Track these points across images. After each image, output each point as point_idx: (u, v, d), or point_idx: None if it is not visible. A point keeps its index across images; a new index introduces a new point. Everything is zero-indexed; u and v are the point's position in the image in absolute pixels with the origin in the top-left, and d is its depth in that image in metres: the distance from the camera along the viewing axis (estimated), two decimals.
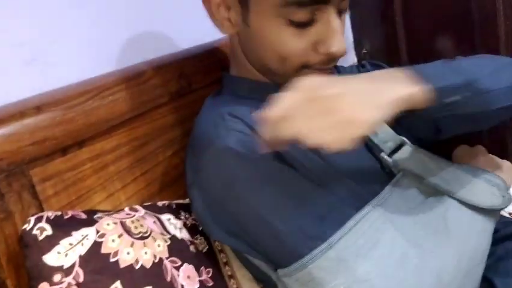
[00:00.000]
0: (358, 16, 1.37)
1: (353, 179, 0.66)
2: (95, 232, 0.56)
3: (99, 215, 0.59)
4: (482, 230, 0.63)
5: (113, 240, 0.57)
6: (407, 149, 0.72)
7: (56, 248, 0.53)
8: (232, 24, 0.65)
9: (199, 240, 0.69)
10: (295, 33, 0.61)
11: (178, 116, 0.78)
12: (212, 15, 0.66)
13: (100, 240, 0.56)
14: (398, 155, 0.71)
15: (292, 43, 0.62)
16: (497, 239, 0.70)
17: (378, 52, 1.52)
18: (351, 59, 1.48)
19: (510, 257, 0.67)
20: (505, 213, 0.90)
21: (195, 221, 0.71)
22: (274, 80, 0.70)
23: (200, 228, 0.70)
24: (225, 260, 0.71)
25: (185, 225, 0.68)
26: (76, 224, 0.56)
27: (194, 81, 0.80)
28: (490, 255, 0.64)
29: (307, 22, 0.61)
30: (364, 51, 1.59)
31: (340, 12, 0.63)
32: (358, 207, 0.60)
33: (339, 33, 0.62)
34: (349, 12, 1.37)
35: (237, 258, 0.72)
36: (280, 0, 0.58)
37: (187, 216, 0.70)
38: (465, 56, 0.69)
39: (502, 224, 0.73)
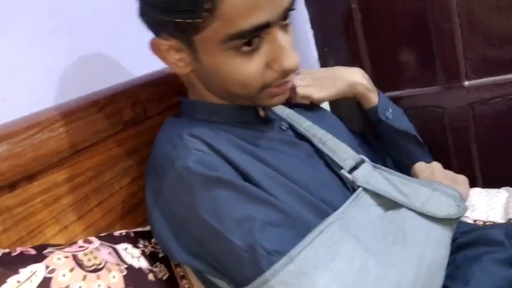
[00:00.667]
0: (322, 33, 1.40)
1: (313, 194, 0.67)
2: (44, 268, 0.54)
3: (50, 249, 0.57)
4: (439, 239, 0.64)
5: (63, 275, 0.55)
6: (366, 166, 0.74)
7: (3, 287, 0.51)
8: (186, 64, 0.65)
9: (159, 267, 0.68)
10: (246, 59, 0.61)
11: (134, 144, 0.77)
12: (164, 59, 0.66)
13: (49, 275, 0.54)
14: (357, 172, 0.73)
15: (246, 69, 0.62)
16: (456, 247, 0.71)
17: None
18: None
19: (468, 264, 0.67)
20: (469, 220, 0.91)
21: (155, 249, 0.70)
22: (239, 103, 0.70)
23: (160, 256, 0.69)
24: (187, 286, 0.70)
25: (143, 253, 0.67)
26: (24, 260, 0.54)
27: (149, 108, 0.80)
28: (450, 263, 0.65)
29: (254, 48, 0.60)
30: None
31: (285, 26, 0.62)
32: (318, 221, 0.61)
33: (288, 49, 0.61)
34: (313, 31, 1.40)
35: (199, 282, 0.71)
36: (222, 38, 0.58)
37: (146, 244, 0.69)
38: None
39: (461, 233, 0.74)
